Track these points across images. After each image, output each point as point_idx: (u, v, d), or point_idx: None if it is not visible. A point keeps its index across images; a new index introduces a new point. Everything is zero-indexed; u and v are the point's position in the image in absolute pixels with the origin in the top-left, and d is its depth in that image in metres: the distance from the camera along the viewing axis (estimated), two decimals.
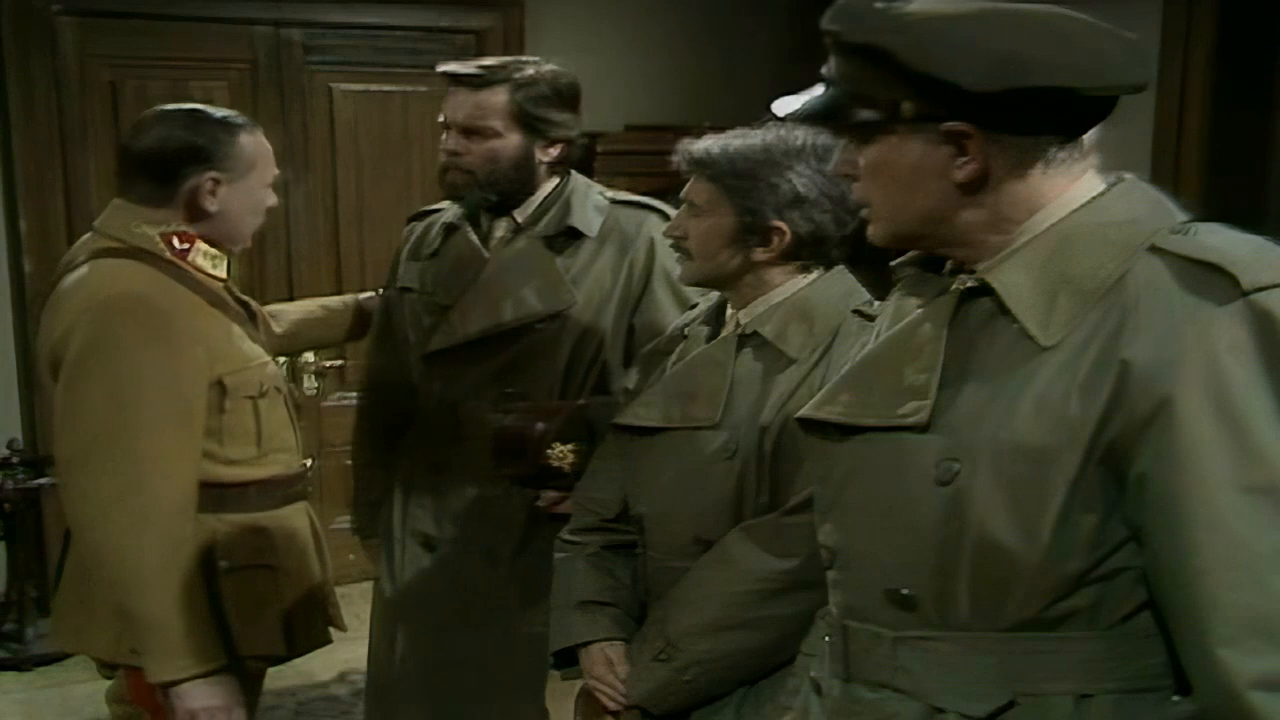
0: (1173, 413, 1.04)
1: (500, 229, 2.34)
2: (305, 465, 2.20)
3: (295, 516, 2.14)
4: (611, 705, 1.84)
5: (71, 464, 1.89)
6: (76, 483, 1.88)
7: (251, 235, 2.12)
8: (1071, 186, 1.18)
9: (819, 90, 1.24)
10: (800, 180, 1.73)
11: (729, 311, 1.88)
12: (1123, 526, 1.11)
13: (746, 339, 1.80)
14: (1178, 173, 3.64)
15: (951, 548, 1.16)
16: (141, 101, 4.11)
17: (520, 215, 2.32)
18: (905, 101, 1.16)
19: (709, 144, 1.79)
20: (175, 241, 1.99)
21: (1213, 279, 1.06)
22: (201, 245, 2.02)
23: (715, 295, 1.94)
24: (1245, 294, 1.04)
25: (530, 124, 2.23)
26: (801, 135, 1.75)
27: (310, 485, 2.23)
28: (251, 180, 2.04)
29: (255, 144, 2.05)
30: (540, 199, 2.32)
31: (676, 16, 4.76)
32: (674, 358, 1.92)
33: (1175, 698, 1.13)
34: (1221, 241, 1.10)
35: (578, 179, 2.37)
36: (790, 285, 1.80)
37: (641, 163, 3.89)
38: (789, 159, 1.74)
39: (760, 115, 1.76)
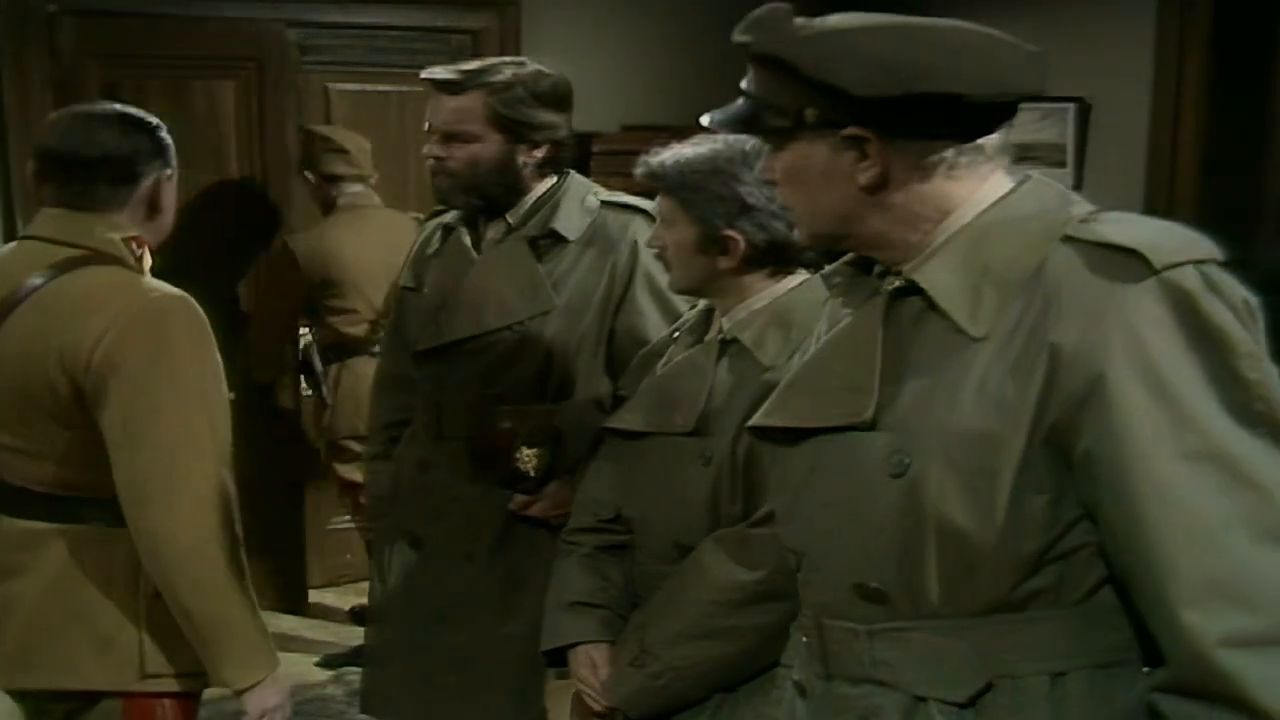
0: (1106, 390, 1.09)
1: (492, 231, 2.35)
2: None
3: None
4: (595, 707, 1.85)
5: (151, 477, 1.82)
6: (160, 496, 1.82)
7: None
8: (981, 187, 1.24)
9: (740, 101, 1.32)
10: (745, 189, 1.73)
11: (715, 316, 1.89)
12: (1075, 505, 1.15)
13: (727, 345, 1.81)
14: (1174, 172, 3.64)
15: (913, 537, 1.20)
16: (140, 101, 4.08)
17: (512, 217, 2.32)
18: (808, 108, 1.23)
19: (664, 157, 1.81)
20: (134, 246, 1.95)
21: (1126, 261, 1.12)
22: (147, 250, 1.99)
23: (704, 300, 1.95)
24: (1157, 272, 1.10)
25: (509, 127, 2.23)
26: (750, 143, 1.74)
27: None
28: (176, 174, 2.04)
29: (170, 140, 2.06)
30: (533, 200, 2.32)
31: (673, 17, 4.76)
32: (663, 361, 1.93)
33: (1145, 669, 1.17)
34: (1130, 227, 1.17)
35: (574, 180, 2.36)
36: (771, 291, 1.80)
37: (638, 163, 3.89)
38: (734, 167, 1.74)
39: None
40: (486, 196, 2.30)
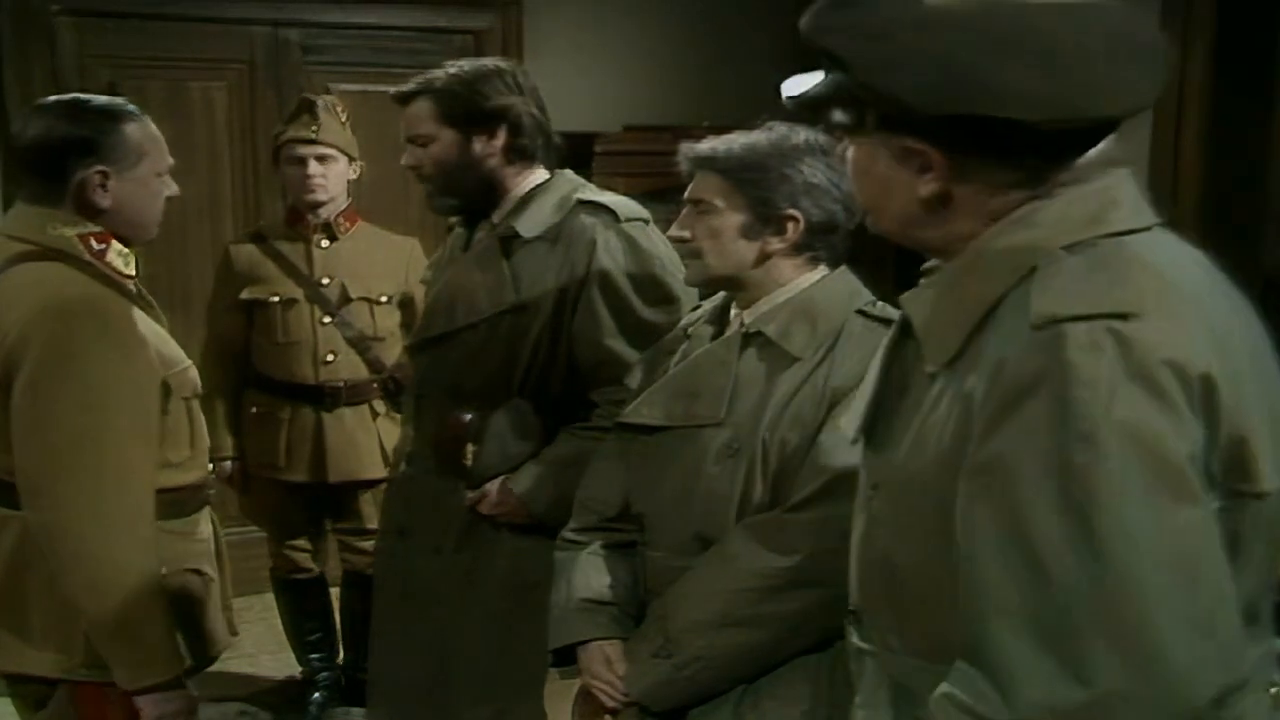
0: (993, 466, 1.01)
1: (482, 230, 2.38)
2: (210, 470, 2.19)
3: (206, 521, 2.11)
4: (610, 703, 1.84)
5: (43, 473, 1.83)
6: (50, 491, 1.82)
7: (157, 227, 2.03)
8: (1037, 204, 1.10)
9: (820, 76, 1.17)
10: (810, 169, 1.76)
11: (733, 311, 1.90)
12: None
13: (750, 338, 1.81)
14: (1176, 172, 3.63)
15: (869, 566, 1.24)
16: (141, 102, 4.07)
17: (497, 216, 2.34)
18: (869, 111, 1.11)
19: (714, 143, 1.81)
20: (93, 242, 1.92)
21: (1039, 324, 1.00)
22: (115, 244, 1.95)
23: (718, 295, 1.95)
24: (1035, 327, 0.99)
25: (456, 120, 2.26)
26: (804, 134, 1.78)
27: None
28: (143, 170, 1.95)
29: (143, 132, 1.96)
30: (518, 199, 2.32)
31: (675, 17, 4.76)
32: (677, 357, 1.93)
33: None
34: (1060, 282, 1.02)
35: (562, 178, 2.36)
36: (797, 284, 1.81)
37: (640, 163, 3.88)
38: (797, 152, 1.77)
39: (759, 116, 1.81)
40: (461, 195, 2.33)
